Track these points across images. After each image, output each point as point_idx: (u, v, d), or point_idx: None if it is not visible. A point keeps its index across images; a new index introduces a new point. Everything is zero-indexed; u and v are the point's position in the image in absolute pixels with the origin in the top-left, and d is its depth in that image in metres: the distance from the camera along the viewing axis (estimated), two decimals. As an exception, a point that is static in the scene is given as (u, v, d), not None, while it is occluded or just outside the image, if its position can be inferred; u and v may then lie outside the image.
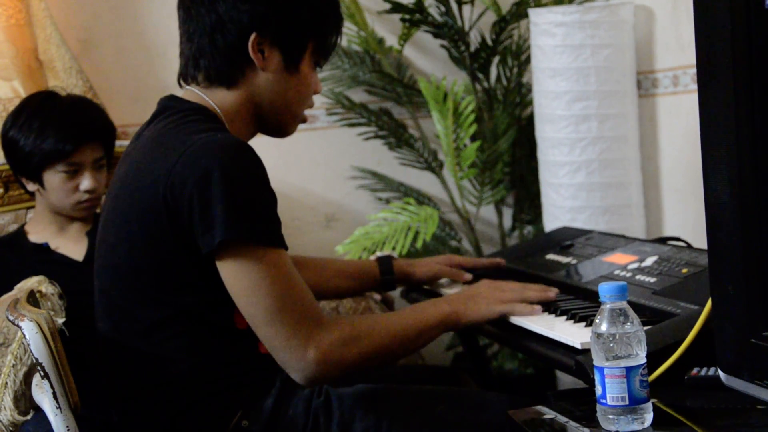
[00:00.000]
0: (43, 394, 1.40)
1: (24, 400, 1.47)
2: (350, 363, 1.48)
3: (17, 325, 1.39)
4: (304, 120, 1.69)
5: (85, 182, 2.11)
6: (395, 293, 2.14)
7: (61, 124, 2.09)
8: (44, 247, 2.16)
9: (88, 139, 2.11)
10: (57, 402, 1.37)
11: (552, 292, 1.69)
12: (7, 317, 1.43)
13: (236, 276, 1.45)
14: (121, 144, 2.39)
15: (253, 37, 1.56)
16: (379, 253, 2.03)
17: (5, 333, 1.49)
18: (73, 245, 2.17)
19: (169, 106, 1.61)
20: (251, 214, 1.45)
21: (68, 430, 1.38)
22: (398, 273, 1.97)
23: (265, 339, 1.47)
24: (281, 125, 1.67)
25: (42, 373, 1.37)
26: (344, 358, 1.47)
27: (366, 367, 1.51)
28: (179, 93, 1.64)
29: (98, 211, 2.21)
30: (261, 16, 1.56)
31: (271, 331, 1.45)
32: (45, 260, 2.13)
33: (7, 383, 1.45)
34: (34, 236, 2.19)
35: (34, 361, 1.37)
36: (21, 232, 2.21)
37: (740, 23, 1.05)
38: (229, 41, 1.56)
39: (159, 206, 1.47)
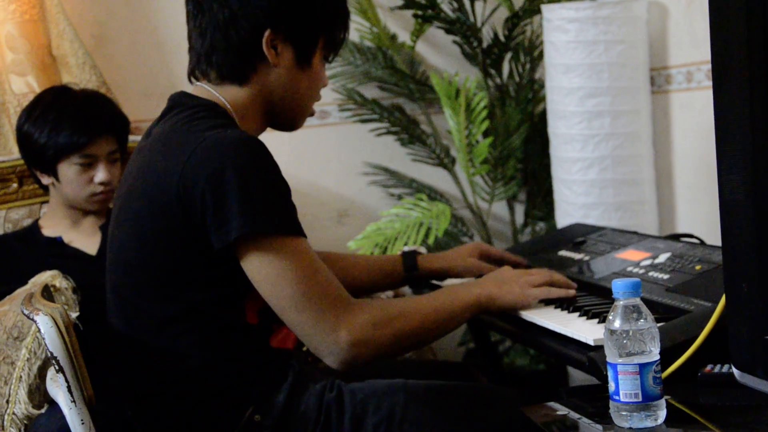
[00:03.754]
0: (57, 388, 1.40)
1: (38, 393, 1.48)
2: (383, 344, 1.48)
3: (32, 319, 1.39)
4: (312, 113, 1.70)
5: (100, 174, 2.12)
6: (406, 289, 2.14)
7: (75, 117, 2.11)
8: (58, 241, 2.17)
9: (102, 132, 2.12)
10: (71, 396, 1.38)
11: (572, 291, 1.68)
12: (22, 311, 1.44)
13: (259, 268, 1.46)
14: (134, 139, 2.40)
15: (267, 33, 1.57)
16: (405, 248, 2.00)
17: (19, 327, 1.50)
18: (86, 239, 2.18)
19: (180, 102, 1.61)
20: (267, 205, 1.46)
21: (83, 423, 1.39)
22: (423, 269, 1.93)
23: (295, 327, 1.47)
24: (292, 120, 1.68)
25: (57, 367, 1.38)
26: (377, 339, 1.47)
27: (398, 348, 1.51)
28: (190, 89, 1.65)
29: (111, 206, 2.22)
30: (275, 11, 1.56)
31: (301, 317, 1.45)
32: (58, 254, 2.14)
33: (21, 377, 1.46)
34: (48, 230, 2.20)
35: (49, 354, 1.38)
36: (35, 227, 2.22)
37: (756, 19, 1.04)
38: (242, 37, 1.57)
39: (171, 203, 1.48)
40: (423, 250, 1.99)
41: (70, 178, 2.12)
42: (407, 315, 1.52)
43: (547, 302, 1.69)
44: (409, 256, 1.94)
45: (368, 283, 1.95)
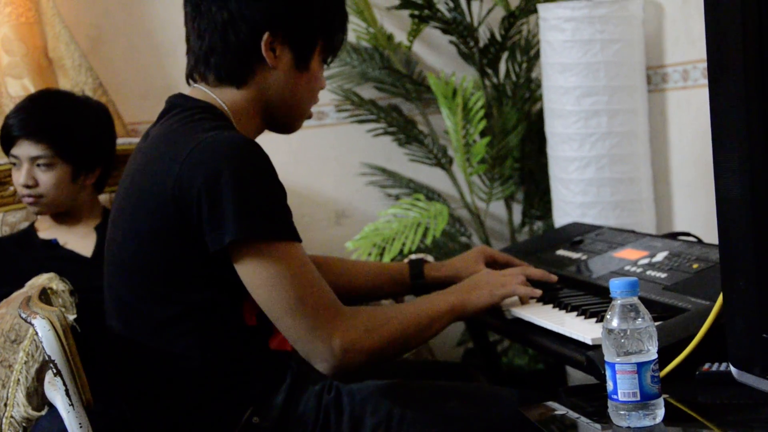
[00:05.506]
0: (55, 391, 1.40)
1: (36, 396, 1.48)
2: (374, 350, 1.49)
3: (30, 323, 1.39)
4: (309, 116, 1.70)
5: (19, 177, 2.13)
6: (408, 297, 2.13)
7: (11, 116, 2.13)
8: (53, 244, 2.17)
9: (26, 134, 2.11)
10: (69, 399, 1.38)
11: (553, 278, 1.75)
12: (20, 315, 1.44)
13: (254, 272, 1.46)
14: (130, 141, 2.40)
15: (266, 35, 1.57)
16: (413, 256, 1.99)
17: (17, 330, 1.50)
18: (81, 241, 2.18)
19: (177, 104, 1.61)
20: (262, 210, 1.46)
21: (81, 427, 1.38)
22: (429, 277, 1.91)
23: (288, 332, 1.48)
24: (289, 122, 1.68)
25: (54, 371, 1.37)
26: (368, 345, 1.48)
27: (387, 354, 1.52)
28: (187, 91, 1.65)
29: (109, 206, 2.22)
30: (274, 14, 1.56)
31: (294, 323, 1.46)
32: (54, 257, 2.14)
33: (19, 380, 1.46)
34: (44, 233, 2.20)
35: (47, 358, 1.37)
36: (31, 229, 2.23)
37: (751, 16, 1.04)
38: (241, 39, 1.56)
39: (167, 205, 1.48)
40: (430, 258, 1.97)
41: (12, 176, 2.16)
42: (394, 321, 1.53)
43: (545, 301, 1.70)
44: (416, 265, 1.92)
45: (373, 290, 1.94)
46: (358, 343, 1.47)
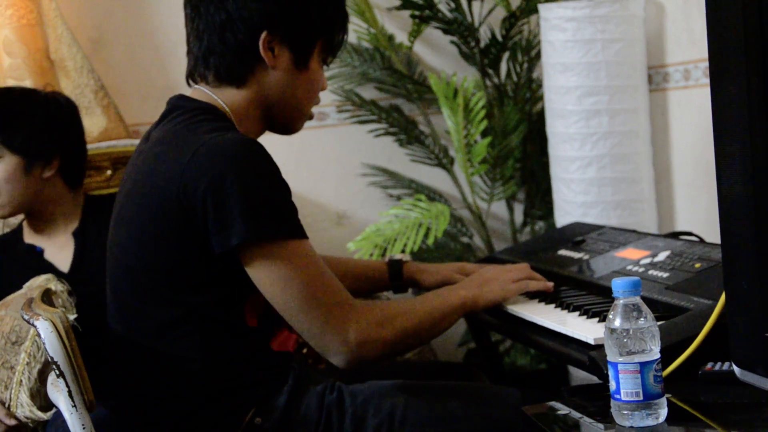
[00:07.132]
0: (58, 393, 1.40)
1: (39, 397, 1.48)
2: (388, 343, 1.50)
3: (32, 324, 1.39)
4: (310, 117, 1.71)
5: None
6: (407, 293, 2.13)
7: None
8: (37, 251, 2.12)
9: None
10: (72, 400, 1.38)
11: (550, 284, 1.74)
12: (22, 316, 1.44)
13: (264, 273, 1.46)
14: (132, 143, 2.40)
15: (263, 35, 1.57)
16: (392, 256, 2.00)
17: (17, 331, 1.50)
18: (59, 252, 2.12)
19: (179, 105, 1.61)
20: (269, 210, 1.46)
21: (84, 428, 1.38)
22: (407, 279, 1.94)
23: (302, 328, 1.49)
24: (289, 122, 1.68)
25: (57, 372, 1.37)
26: (382, 337, 1.50)
27: (400, 347, 1.54)
28: (188, 92, 1.65)
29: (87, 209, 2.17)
30: (271, 14, 1.56)
31: (308, 318, 1.47)
32: (35, 267, 2.05)
33: (21, 381, 1.46)
34: (29, 236, 2.15)
35: (50, 359, 1.38)
36: (18, 230, 2.18)
37: (752, 16, 1.04)
38: (239, 39, 1.57)
39: (172, 207, 1.48)
40: (407, 258, 2.00)
41: None
42: (406, 315, 1.54)
43: (547, 301, 1.69)
44: (395, 266, 1.94)
45: (355, 289, 1.94)
46: (373, 335, 1.48)
